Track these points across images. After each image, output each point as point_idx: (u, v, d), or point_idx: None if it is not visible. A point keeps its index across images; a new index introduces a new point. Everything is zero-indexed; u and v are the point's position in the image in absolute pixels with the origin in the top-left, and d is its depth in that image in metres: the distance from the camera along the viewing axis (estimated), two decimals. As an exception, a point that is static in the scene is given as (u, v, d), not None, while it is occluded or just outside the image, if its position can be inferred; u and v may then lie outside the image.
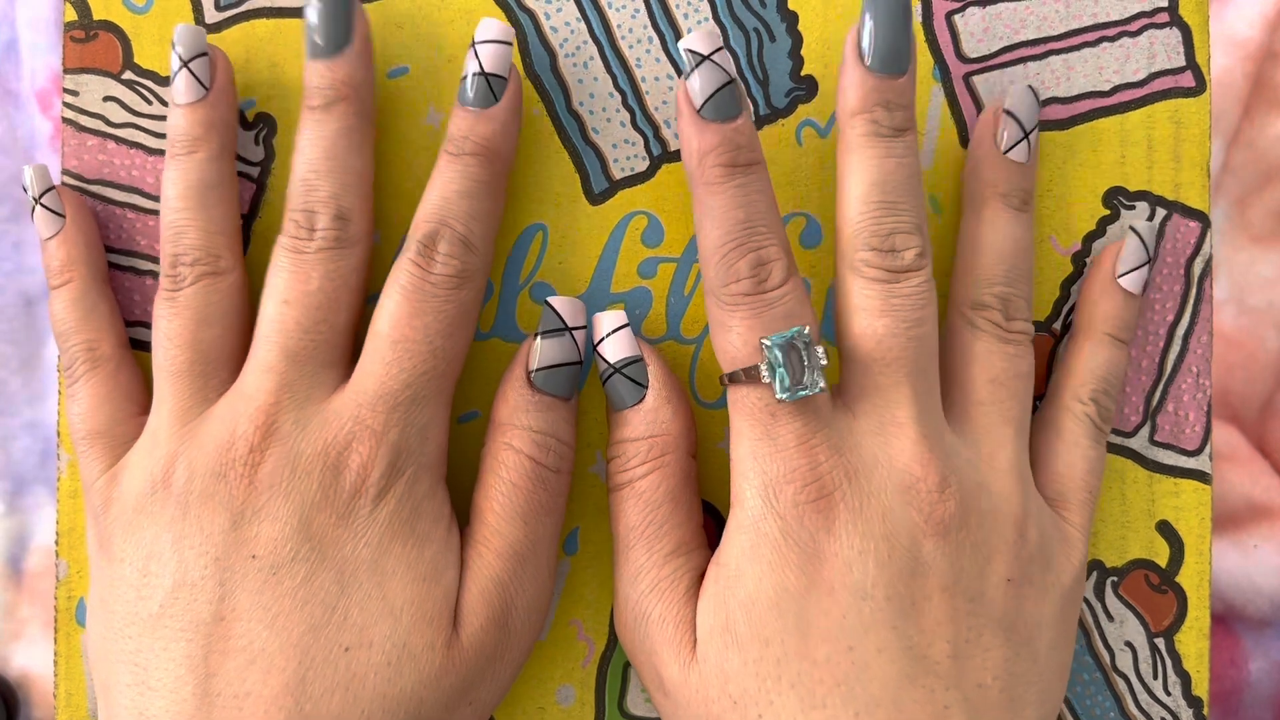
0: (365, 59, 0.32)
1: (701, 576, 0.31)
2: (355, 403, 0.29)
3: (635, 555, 0.31)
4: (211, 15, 0.34)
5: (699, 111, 0.30)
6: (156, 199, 0.34)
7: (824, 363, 0.29)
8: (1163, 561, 0.34)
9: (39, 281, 0.42)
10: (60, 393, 0.33)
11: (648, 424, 0.31)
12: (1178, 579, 0.34)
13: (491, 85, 0.31)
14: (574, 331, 0.31)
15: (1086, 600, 0.34)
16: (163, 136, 0.34)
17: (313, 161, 0.31)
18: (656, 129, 0.34)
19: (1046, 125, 0.34)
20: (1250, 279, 0.43)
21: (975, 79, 0.34)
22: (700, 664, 0.29)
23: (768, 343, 0.29)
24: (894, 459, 0.29)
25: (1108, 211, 0.34)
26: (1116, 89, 0.34)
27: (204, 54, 0.32)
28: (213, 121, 0.32)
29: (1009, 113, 0.33)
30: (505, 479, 0.30)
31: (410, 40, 0.34)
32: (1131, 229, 0.33)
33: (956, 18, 0.34)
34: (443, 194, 0.31)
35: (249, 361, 0.30)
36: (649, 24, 0.34)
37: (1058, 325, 0.34)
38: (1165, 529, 0.34)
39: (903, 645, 0.28)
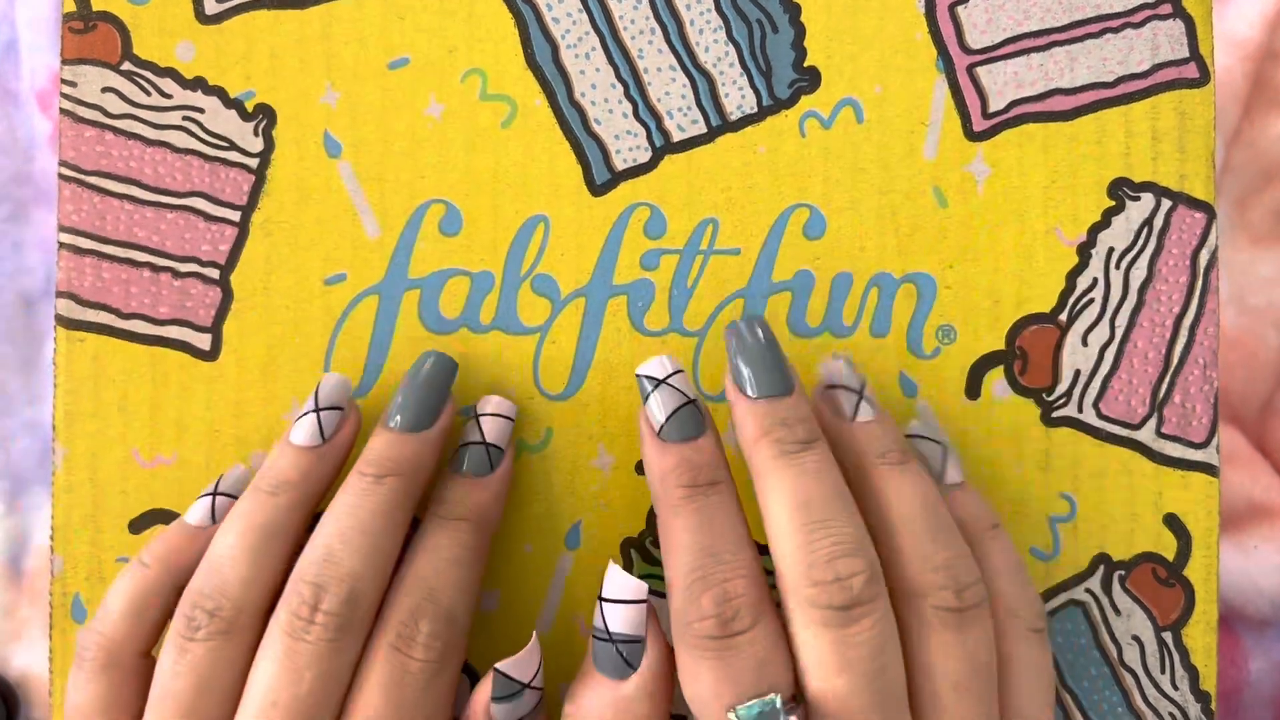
0: (438, 444, 0.31)
1: None
2: None
3: None
4: (212, 6, 0.34)
5: (658, 434, 0.30)
6: (154, 190, 0.33)
7: None
8: (1170, 555, 0.34)
9: (39, 281, 0.42)
10: (57, 385, 0.33)
11: (618, 713, 0.29)
12: (1185, 572, 0.34)
13: (490, 455, 0.31)
14: (530, 689, 0.30)
15: (1093, 594, 0.34)
16: (161, 127, 0.33)
17: (343, 531, 0.29)
18: (659, 120, 0.34)
19: (1051, 116, 0.34)
20: (1250, 279, 0.43)
21: (979, 70, 0.34)
22: None
23: (733, 716, 0.27)
24: None
25: (1113, 202, 0.34)
26: (1120, 80, 0.34)
27: (339, 408, 0.31)
28: (312, 474, 0.31)
29: (833, 387, 0.32)
30: None
31: (411, 31, 0.34)
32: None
33: (960, 9, 0.34)
34: (432, 562, 0.30)
35: None
36: (651, 15, 0.34)
37: (1063, 317, 0.34)
38: (1173, 522, 0.34)
39: None
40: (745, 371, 0.30)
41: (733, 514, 0.29)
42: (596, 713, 0.29)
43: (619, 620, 0.29)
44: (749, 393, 0.30)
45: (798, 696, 0.28)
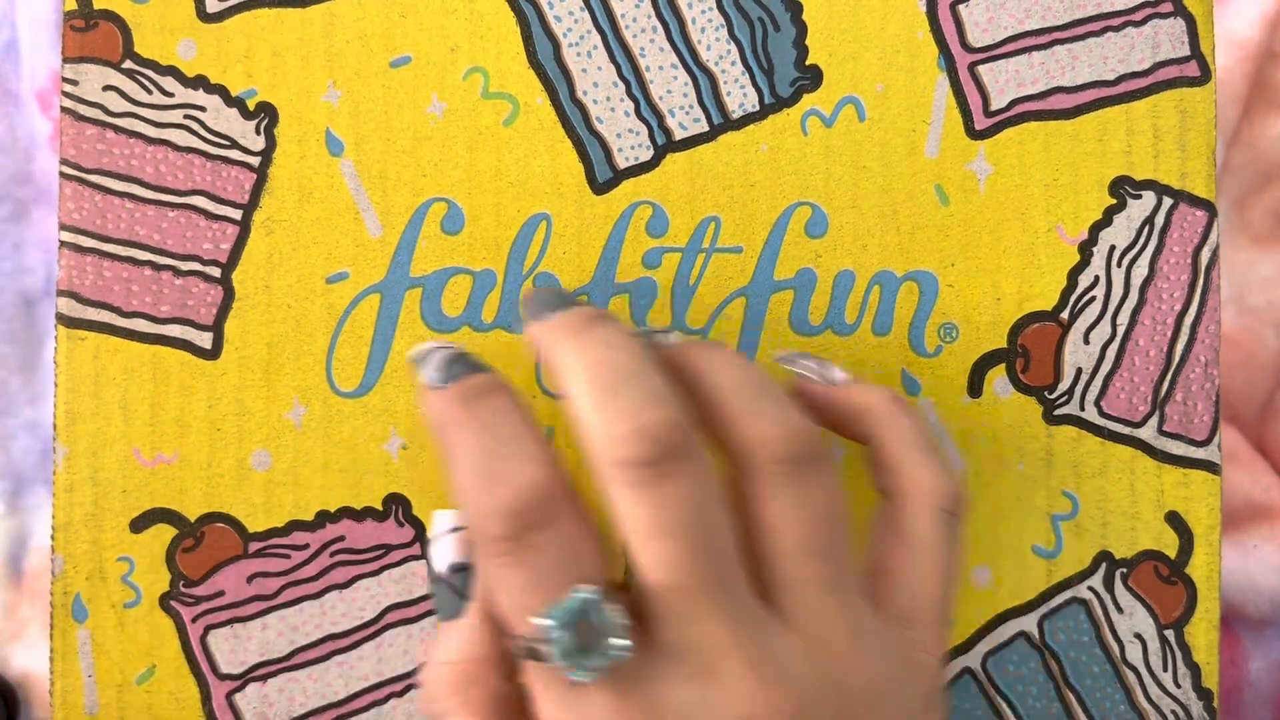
0: None
1: None
2: None
3: None
4: (214, 4, 0.34)
5: (428, 383, 0.28)
6: (155, 188, 0.33)
7: (621, 621, 0.25)
8: (1172, 553, 0.34)
9: (39, 281, 0.42)
10: (58, 384, 0.33)
11: (460, 645, 0.27)
12: (1187, 570, 0.34)
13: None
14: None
15: (1096, 592, 0.34)
16: (162, 126, 0.33)
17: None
18: (661, 118, 0.34)
19: (1053, 115, 0.34)
20: (1250, 279, 0.43)
21: (980, 68, 0.34)
22: None
23: (543, 622, 0.25)
24: (719, 705, 0.25)
25: (1114, 201, 0.34)
26: (1122, 78, 0.34)
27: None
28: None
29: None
30: None
31: (413, 30, 0.34)
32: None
33: (961, 7, 0.34)
34: None
35: None
36: (653, 14, 0.34)
37: (1065, 315, 0.34)
38: (1174, 520, 0.34)
39: None
40: (526, 310, 0.29)
41: (512, 413, 0.27)
42: (444, 653, 0.27)
43: (442, 555, 0.28)
44: (536, 318, 0.28)
45: (627, 585, 0.26)
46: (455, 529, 0.28)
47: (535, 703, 0.26)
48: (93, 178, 0.33)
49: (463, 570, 0.28)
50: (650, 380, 0.26)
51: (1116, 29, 0.34)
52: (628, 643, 0.25)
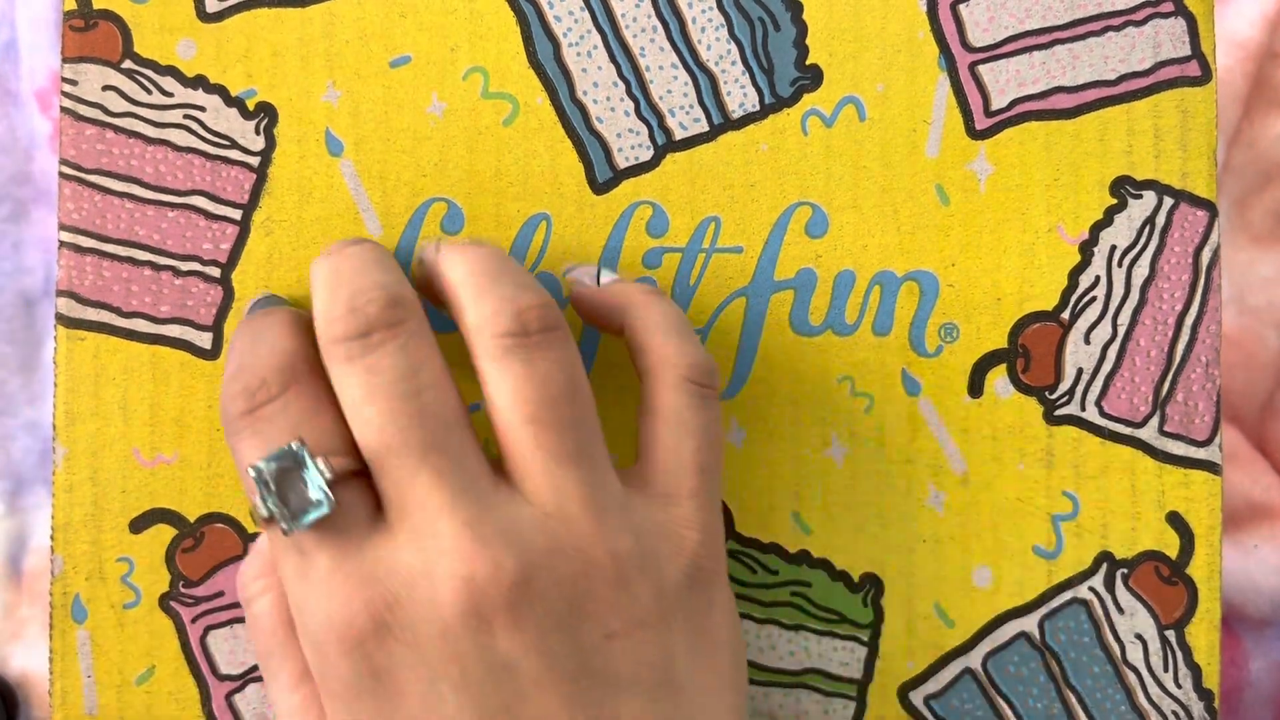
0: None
1: None
2: None
3: (268, 679, 0.29)
4: (213, 4, 0.34)
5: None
6: (155, 188, 0.33)
7: (324, 475, 0.26)
8: (1173, 553, 0.34)
9: (39, 281, 0.42)
10: (57, 384, 0.33)
11: (266, 539, 0.29)
12: (1188, 570, 0.34)
13: None
14: None
15: (1096, 592, 0.34)
16: (162, 126, 0.33)
17: None
18: (661, 118, 0.34)
19: (1053, 114, 0.34)
20: (1250, 279, 0.43)
21: (981, 68, 0.34)
22: None
23: (252, 472, 0.26)
24: (436, 564, 0.26)
25: (1115, 201, 0.34)
26: (1122, 78, 0.34)
27: None
28: None
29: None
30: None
31: (413, 29, 0.34)
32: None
33: (962, 7, 0.34)
34: None
35: None
36: (653, 13, 0.34)
37: (1065, 315, 0.34)
38: (1175, 520, 0.34)
39: None
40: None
41: (275, 321, 0.30)
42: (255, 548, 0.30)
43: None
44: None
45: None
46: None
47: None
48: (92, 178, 0.33)
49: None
50: (374, 269, 0.28)
51: (1117, 29, 0.34)
52: (328, 496, 0.26)
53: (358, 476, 0.27)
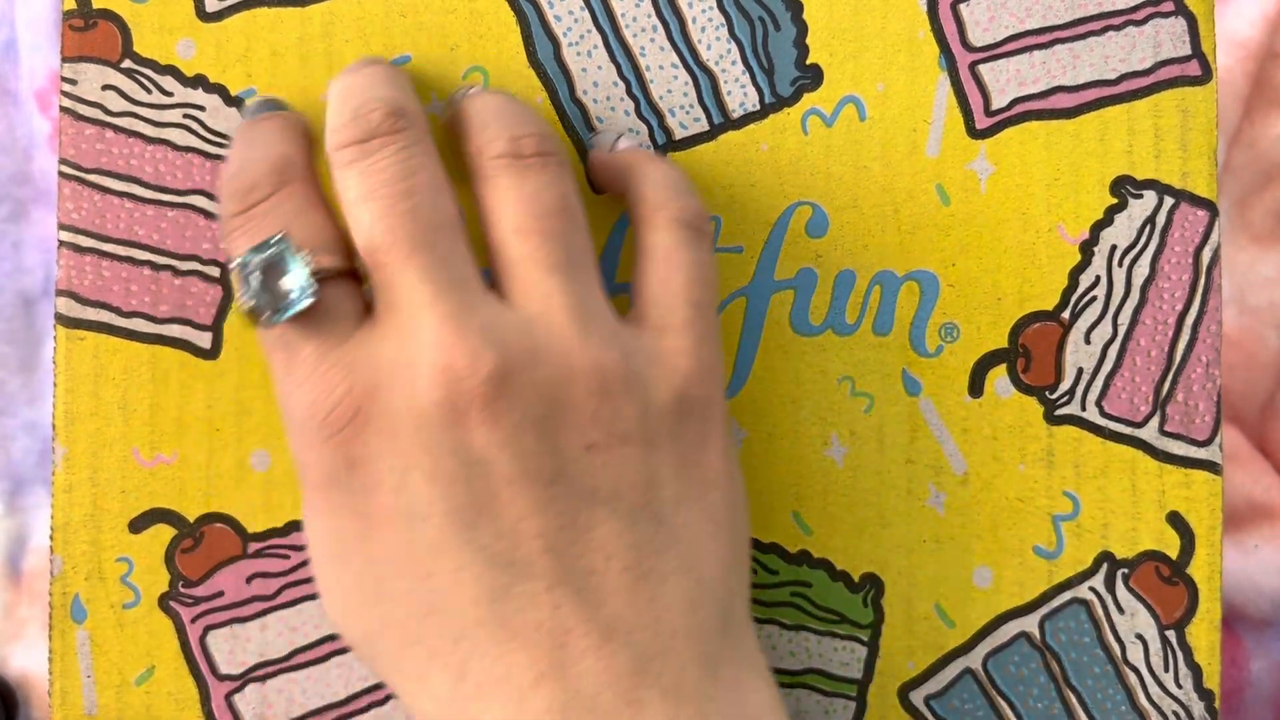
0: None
1: None
2: None
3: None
4: (213, 4, 0.34)
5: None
6: (154, 188, 0.33)
7: (307, 267, 0.27)
8: (1173, 553, 0.34)
9: (39, 281, 0.42)
10: (56, 384, 0.33)
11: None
12: (1189, 570, 0.34)
13: None
14: None
15: (1097, 592, 0.34)
16: (161, 125, 0.33)
17: None
18: (660, 118, 0.34)
19: (1054, 114, 0.34)
20: (1251, 279, 0.43)
21: (981, 67, 0.34)
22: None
23: (234, 265, 0.27)
24: (416, 355, 0.26)
25: (1115, 200, 0.34)
26: (1123, 78, 0.34)
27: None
28: None
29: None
30: None
31: (413, 29, 0.34)
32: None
33: (962, 6, 0.34)
34: None
35: None
36: (653, 13, 0.34)
37: (1066, 315, 0.34)
38: (1176, 520, 0.34)
39: (483, 557, 0.26)
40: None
41: (274, 128, 0.31)
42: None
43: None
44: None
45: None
46: None
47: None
48: (92, 177, 0.33)
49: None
50: (379, 86, 0.29)
51: (1118, 28, 0.34)
52: (311, 287, 0.27)
53: (348, 278, 0.28)
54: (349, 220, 0.28)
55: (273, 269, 0.27)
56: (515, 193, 0.28)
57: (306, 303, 0.27)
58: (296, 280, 0.27)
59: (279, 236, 0.27)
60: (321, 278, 0.27)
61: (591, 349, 0.27)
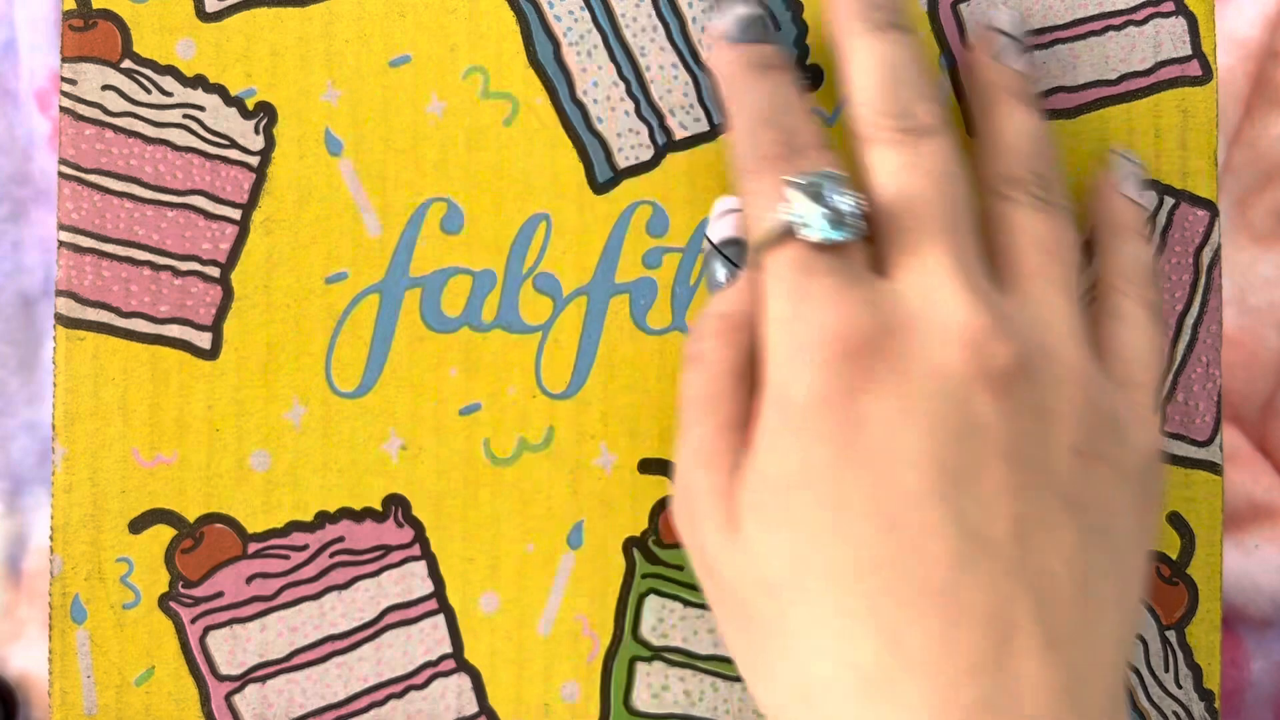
0: None
1: None
2: None
3: (690, 426, 0.29)
4: (213, 4, 0.34)
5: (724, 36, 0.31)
6: (154, 188, 0.33)
7: (864, 205, 0.28)
8: (1174, 554, 0.34)
9: (39, 281, 0.42)
10: (56, 384, 0.33)
11: (728, 301, 0.29)
12: (1189, 571, 0.34)
13: None
14: None
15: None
16: (161, 125, 0.33)
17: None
18: (661, 118, 0.34)
19: (1054, 114, 0.34)
20: (1251, 279, 0.43)
21: (981, 67, 0.34)
22: (740, 542, 0.27)
23: (800, 180, 0.28)
24: (939, 310, 0.27)
25: (1115, 200, 0.34)
26: (1123, 78, 0.34)
27: None
28: None
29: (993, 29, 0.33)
30: None
31: (413, 29, 0.34)
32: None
33: (962, 7, 0.34)
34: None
35: None
36: (654, 13, 0.34)
37: (1066, 315, 0.34)
38: (1176, 520, 0.34)
39: (956, 521, 0.25)
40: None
41: (789, 88, 0.31)
42: (715, 309, 0.30)
43: (720, 231, 0.32)
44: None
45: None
46: (731, 210, 0.32)
47: (766, 306, 0.28)
48: (91, 177, 0.33)
49: (735, 245, 0.31)
50: (927, 85, 0.30)
51: (1118, 28, 0.34)
52: (861, 216, 0.28)
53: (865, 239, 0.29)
54: (876, 180, 0.29)
55: (821, 196, 0.27)
56: (1043, 224, 0.30)
57: (860, 227, 0.28)
58: (849, 206, 0.27)
59: (834, 170, 0.28)
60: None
61: (1087, 369, 0.28)
